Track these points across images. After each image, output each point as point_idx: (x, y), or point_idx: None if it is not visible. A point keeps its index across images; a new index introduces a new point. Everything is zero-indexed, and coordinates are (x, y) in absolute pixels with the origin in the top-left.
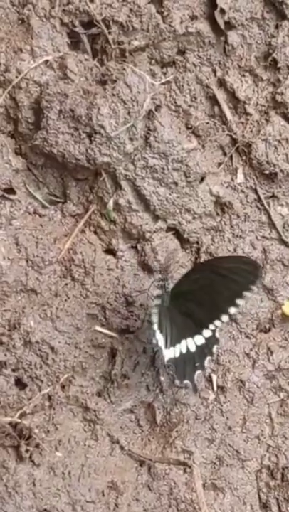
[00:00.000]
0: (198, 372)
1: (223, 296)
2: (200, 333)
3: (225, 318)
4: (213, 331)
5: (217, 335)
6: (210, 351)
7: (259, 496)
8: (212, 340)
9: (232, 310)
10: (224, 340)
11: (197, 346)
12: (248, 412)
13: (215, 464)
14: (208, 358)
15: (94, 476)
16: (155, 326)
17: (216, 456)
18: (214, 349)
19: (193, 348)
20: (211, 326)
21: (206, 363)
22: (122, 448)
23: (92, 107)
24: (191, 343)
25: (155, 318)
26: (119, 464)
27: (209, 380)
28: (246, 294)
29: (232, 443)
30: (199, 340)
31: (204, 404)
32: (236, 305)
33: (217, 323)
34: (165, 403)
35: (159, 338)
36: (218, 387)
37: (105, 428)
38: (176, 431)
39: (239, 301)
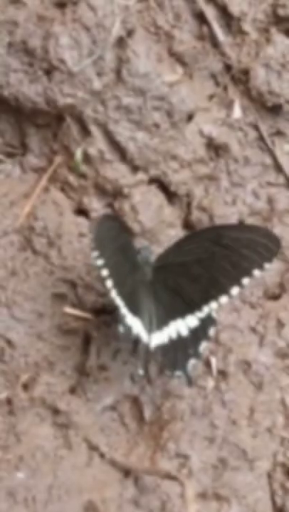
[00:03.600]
0: (193, 361)
1: (226, 272)
2: (192, 312)
3: (224, 299)
4: (210, 310)
5: (214, 314)
6: (205, 334)
7: (273, 500)
8: (208, 322)
9: (235, 290)
10: (224, 313)
11: (190, 329)
12: (256, 400)
13: (217, 468)
14: (204, 342)
15: (65, 498)
16: (123, 310)
17: (217, 458)
18: (211, 332)
19: (184, 332)
20: (206, 308)
21: (201, 349)
22: (102, 456)
23: (49, 36)
24: (181, 326)
25: (118, 300)
26: (98, 476)
27: (207, 363)
28: (256, 272)
29: (237, 441)
30: (192, 321)
31: (202, 395)
32: (241, 285)
33: (213, 305)
34: (154, 396)
35: (133, 324)
36: (218, 372)
37: (81, 432)
38: (169, 430)
39: (245, 281)
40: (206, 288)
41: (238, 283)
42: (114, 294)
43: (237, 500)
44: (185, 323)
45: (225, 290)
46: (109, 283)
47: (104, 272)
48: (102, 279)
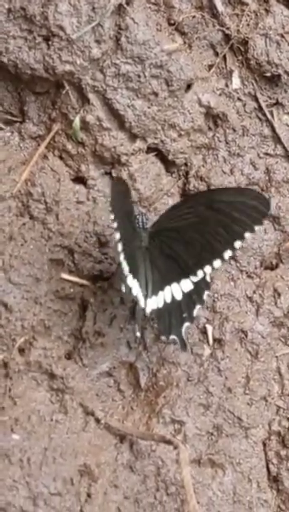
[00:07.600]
0: (187, 324)
1: (219, 236)
2: (187, 277)
3: (217, 263)
4: (204, 274)
5: (208, 278)
6: (199, 299)
7: (268, 468)
8: (202, 286)
9: (227, 254)
10: (221, 282)
11: (184, 293)
12: (252, 369)
13: (212, 434)
14: (198, 306)
15: (60, 461)
16: (126, 271)
17: (212, 425)
18: (204, 296)
19: (179, 296)
20: (200, 272)
21: (195, 313)
22: (97, 421)
23: (48, 3)
24: (176, 290)
25: (124, 263)
26: (94, 441)
27: (204, 331)
28: (248, 235)
29: (232, 408)
30: (186, 285)
31: (198, 362)
32: (233, 248)
33: (207, 269)
34: (150, 363)
35: (133, 286)
36: (214, 340)
37: (77, 397)
38: (164, 396)
39: (238, 244)
40: (200, 252)
41: (231, 246)
42: (122, 258)
43: (232, 468)
44: (180, 287)
45: (218, 254)
46: (120, 246)
47: (118, 235)
48: (115, 241)
